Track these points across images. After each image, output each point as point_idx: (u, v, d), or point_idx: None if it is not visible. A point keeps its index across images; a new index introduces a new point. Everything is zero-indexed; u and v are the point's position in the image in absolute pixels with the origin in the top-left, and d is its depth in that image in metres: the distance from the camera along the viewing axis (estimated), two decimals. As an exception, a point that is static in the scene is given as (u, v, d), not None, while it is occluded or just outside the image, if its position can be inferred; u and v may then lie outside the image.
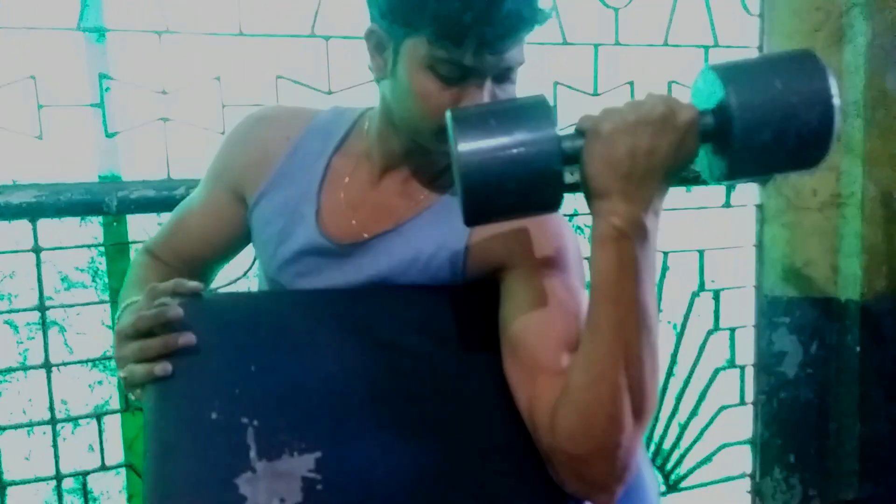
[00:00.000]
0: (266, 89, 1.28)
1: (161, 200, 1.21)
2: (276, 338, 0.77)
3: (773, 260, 1.72)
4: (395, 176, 0.87)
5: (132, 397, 0.77)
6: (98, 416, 1.28)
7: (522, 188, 0.64)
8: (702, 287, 1.69)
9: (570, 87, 1.49)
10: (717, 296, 1.70)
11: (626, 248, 0.67)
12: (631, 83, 1.54)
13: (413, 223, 0.85)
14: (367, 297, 0.81)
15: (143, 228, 1.36)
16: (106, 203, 1.18)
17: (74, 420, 1.57)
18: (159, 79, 1.22)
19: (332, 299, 0.82)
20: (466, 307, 0.81)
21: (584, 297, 0.78)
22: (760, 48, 1.65)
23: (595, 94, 1.52)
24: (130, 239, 1.27)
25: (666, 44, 1.56)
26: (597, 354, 0.69)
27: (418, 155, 0.85)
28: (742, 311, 1.77)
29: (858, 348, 1.65)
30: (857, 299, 1.63)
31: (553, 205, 0.68)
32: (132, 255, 1.26)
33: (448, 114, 0.68)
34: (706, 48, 1.59)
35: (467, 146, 0.64)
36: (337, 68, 1.32)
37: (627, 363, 0.68)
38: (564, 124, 1.50)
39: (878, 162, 1.58)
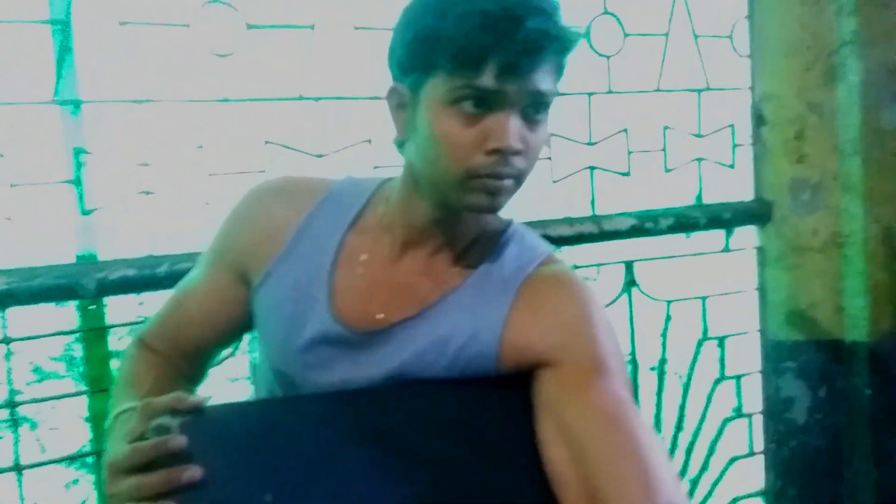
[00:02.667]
0: (254, 155, 1.21)
1: (142, 280, 1.13)
2: (292, 458, 0.68)
3: (776, 303, 1.68)
4: (418, 252, 0.80)
5: None
6: (79, 518, 1.18)
7: None
8: (705, 335, 1.64)
9: (565, 137, 1.45)
10: (721, 343, 1.66)
11: None
12: (625, 130, 1.51)
13: (439, 308, 0.77)
14: (391, 398, 0.73)
15: (124, 310, 1.27)
16: (83, 286, 1.09)
17: (50, 520, 1.45)
18: (139, 151, 1.14)
19: (351, 402, 0.73)
20: (502, 404, 0.74)
21: (635, 410, 0.71)
22: (752, 88, 1.63)
23: (590, 143, 1.48)
24: (109, 323, 1.18)
25: (658, 89, 1.53)
26: None
27: (445, 225, 0.78)
28: (747, 357, 1.72)
29: (869, 391, 1.60)
30: (865, 340, 1.59)
31: None
32: (111, 340, 1.17)
33: None
34: (699, 91, 1.57)
35: None
36: (328, 131, 1.26)
37: None
38: (561, 174, 1.46)
39: (878, 200, 1.56)
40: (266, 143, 1.22)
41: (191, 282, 0.89)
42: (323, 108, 1.26)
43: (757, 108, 1.63)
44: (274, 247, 0.81)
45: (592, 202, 1.49)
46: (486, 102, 0.68)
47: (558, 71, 0.72)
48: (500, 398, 0.74)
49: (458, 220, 0.78)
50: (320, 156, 1.26)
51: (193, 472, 0.64)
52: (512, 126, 0.69)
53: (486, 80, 0.67)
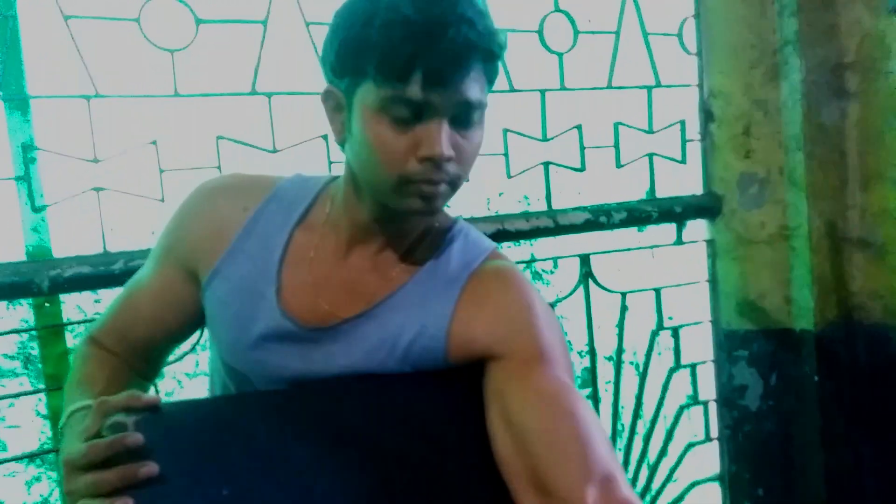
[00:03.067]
0: (206, 151, 1.22)
1: (98, 276, 1.12)
2: (247, 453, 0.69)
3: (727, 294, 1.73)
4: (365, 250, 0.81)
5: None
6: (34, 517, 1.17)
7: None
8: (660, 325, 1.68)
9: (520, 133, 1.47)
10: (676, 333, 1.70)
11: None
12: (579, 127, 1.54)
13: (387, 304, 0.79)
14: (343, 392, 0.74)
15: (79, 307, 1.26)
16: (36, 283, 1.09)
17: (7, 519, 1.43)
18: (90, 146, 1.14)
19: (304, 398, 0.74)
20: (451, 396, 0.75)
21: (577, 395, 0.73)
22: (700, 86, 1.67)
23: (544, 139, 1.51)
24: (66, 319, 1.17)
25: (610, 86, 1.57)
26: None
27: (389, 223, 0.80)
28: (701, 346, 1.77)
29: (816, 378, 1.66)
30: (812, 329, 1.64)
31: None
32: (68, 337, 1.16)
33: None
34: (649, 88, 1.61)
35: None
36: (281, 126, 1.26)
37: None
38: (517, 169, 1.48)
39: (820, 194, 1.61)
40: (219, 138, 1.23)
41: (140, 279, 0.89)
42: (276, 104, 1.26)
43: (706, 105, 1.67)
44: (221, 244, 0.82)
45: (548, 197, 1.52)
46: (415, 111, 0.70)
47: (489, 77, 0.74)
48: (451, 391, 0.76)
49: (401, 219, 0.80)
50: (274, 151, 1.27)
51: (150, 468, 0.65)
52: (443, 135, 0.70)
53: (413, 90, 0.68)
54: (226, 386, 0.86)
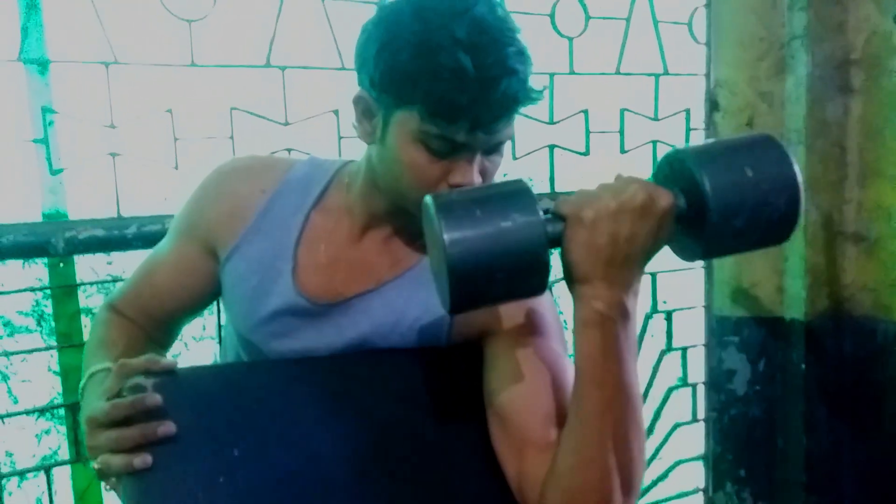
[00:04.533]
0: (220, 121, 1.24)
1: (111, 240, 1.16)
2: (257, 417, 0.73)
3: (721, 281, 1.77)
4: (377, 234, 0.85)
5: (106, 487, 0.72)
6: (46, 468, 1.21)
7: (511, 277, 0.64)
8: (654, 309, 1.73)
9: (527, 116, 1.50)
10: (669, 317, 1.74)
11: (609, 331, 0.67)
12: (585, 111, 1.56)
13: (395, 284, 0.83)
14: (349, 365, 0.79)
15: (92, 269, 1.30)
16: (52, 244, 1.12)
17: (21, 473, 1.48)
18: (107, 112, 1.16)
19: (312, 368, 0.79)
20: (451, 372, 0.80)
21: (568, 363, 0.78)
22: (707, 76, 1.69)
23: (551, 122, 1.53)
24: (78, 280, 1.20)
25: (618, 72, 1.59)
26: (584, 438, 0.68)
27: (402, 215, 0.83)
28: (693, 330, 1.81)
29: (803, 366, 1.70)
30: (802, 318, 1.69)
31: (540, 290, 0.67)
32: (81, 297, 1.19)
33: (428, 199, 0.66)
34: (656, 76, 1.63)
35: (455, 236, 0.62)
36: (293, 99, 1.29)
37: (615, 444, 0.68)
38: (522, 151, 1.51)
39: (819, 187, 1.64)
40: (232, 109, 1.25)
41: (160, 252, 0.93)
42: (289, 77, 1.28)
43: (711, 95, 1.69)
44: (241, 223, 0.86)
45: (551, 180, 1.55)
46: (454, 148, 0.73)
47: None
48: (451, 368, 0.81)
49: (413, 214, 0.83)
50: (286, 124, 1.29)
51: (168, 426, 0.70)
52: (475, 167, 0.74)
53: (459, 134, 0.71)
54: (238, 355, 0.90)
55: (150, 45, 1.19)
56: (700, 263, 1.79)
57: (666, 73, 1.63)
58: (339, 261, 0.84)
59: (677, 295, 1.83)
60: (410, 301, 0.82)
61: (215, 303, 1.04)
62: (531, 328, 0.79)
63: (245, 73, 1.25)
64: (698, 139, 1.71)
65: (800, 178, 0.68)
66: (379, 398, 0.77)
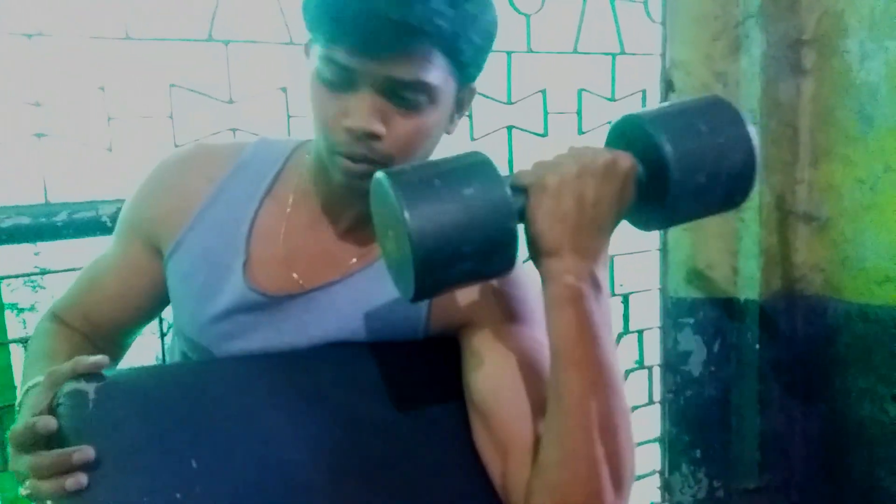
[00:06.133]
0: (158, 99, 1.15)
1: (38, 228, 1.06)
2: (216, 422, 0.66)
3: (677, 263, 1.77)
4: (339, 220, 0.79)
5: None
6: (-30, 477, 1.12)
7: (479, 252, 0.59)
8: (611, 292, 1.71)
9: (484, 95, 1.45)
10: (626, 299, 1.73)
11: (583, 307, 0.63)
12: (543, 91, 1.52)
13: (364, 274, 0.77)
14: (316, 360, 0.73)
15: (17, 260, 1.20)
16: (-29, 234, 1.02)
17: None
18: (32, 89, 1.06)
19: (275, 365, 0.72)
20: (427, 366, 0.75)
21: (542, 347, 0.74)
22: (663, 55, 1.67)
23: (509, 102, 1.49)
24: (1, 274, 1.10)
25: (575, 51, 1.55)
26: (567, 427, 0.64)
27: (359, 193, 0.77)
28: (649, 313, 1.81)
29: (757, 346, 1.72)
30: (756, 299, 1.70)
31: (508, 268, 0.63)
32: (4, 291, 1.09)
33: (379, 174, 0.61)
34: (613, 55, 1.60)
35: (416, 209, 0.57)
36: (238, 75, 1.21)
37: (601, 432, 0.64)
38: (480, 133, 1.46)
39: (773, 168, 1.65)
40: (171, 86, 1.16)
41: (104, 256, 0.85)
42: (234, 52, 1.20)
43: (667, 75, 1.68)
44: (184, 216, 0.79)
45: (510, 161, 1.51)
46: (344, 78, 0.67)
47: (448, 62, 0.69)
48: (428, 362, 0.75)
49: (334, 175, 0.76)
50: (231, 102, 1.21)
51: (85, 452, 0.61)
52: (365, 107, 0.66)
53: (340, 53, 0.65)
54: (186, 359, 0.83)
55: (80, 16, 1.09)
56: (656, 245, 1.78)
57: (623, 52, 1.61)
58: (298, 251, 0.78)
59: (633, 278, 1.82)
60: (382, 292, 0.76)
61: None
62: (513, 317, 0.74)
63: (185, 47, 1.16)
64: (654, 120, 1.70)
65: (753, 134, 0.67)
66: (351, 396, 0.72)
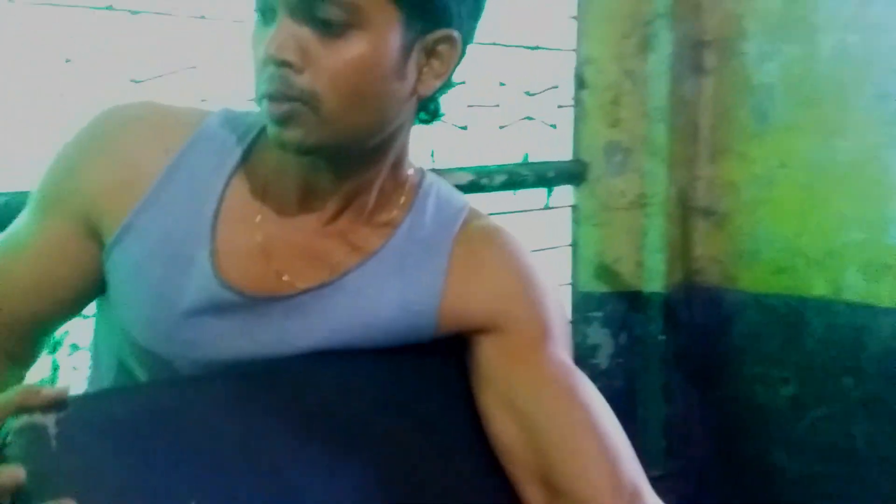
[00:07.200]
0: (51, 76, 0.98)
1: None
2: (211, 453, 0.54)
3: (586, 258, 1.78)
4: (321, 209, 0.67)
5: None
6: None
7: None
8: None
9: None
10: (539, 296, 1.73)
11: None
12: (463, 83, 1.47)
13: (358, 274, 0.66)
14: (311, 374, 0.62)
15: None
16: None
17: None
18: None
19: (268, 380, 0.60)
20: (434, 371, 0.67)
21: (583, 377, 0.68)
22: (576, 51, 1.68)
23: (431, 92, 1.42)
24: None
25: (495, 43, 1.52)
26: None
27: (332, 170, 0.65)
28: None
29: (662, 337, 1.77)
30: (660, 291, 1.75)
31: None
32: None
33: None
34: (531, 49, 1.58)
35: None
36: (144, 51, 1.05)
37: None
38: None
39: (677, 163, 1.71)
40: (67, 61, 0.99)
41: (14, 239, 0.68)
42: (140, 24, 1.04)
43: (579, 71, 1.68)
44: (134, 192, 0.64)
45: (432, 154, 1.44)
46: (266, 6, 0.59)
47: None
48: (433, 366, 0.67)
49: (336, 163, 0.65)
50: (137, 81, 1.05)
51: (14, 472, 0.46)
52: (277, 34, 0.57)
53: None
54: (130, 373, 0.69)
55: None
56: (566, 241, 1.79)
57: (539, 47, 1.59)
58: (277, 242, 0.66)
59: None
60: (381, 296, 0.66)
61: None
62: (539, 332, 0.67)
63: (83, 15, 0.99)
64: (567, 116, 1.70)
65: None
66: (355, 409, 0.61)
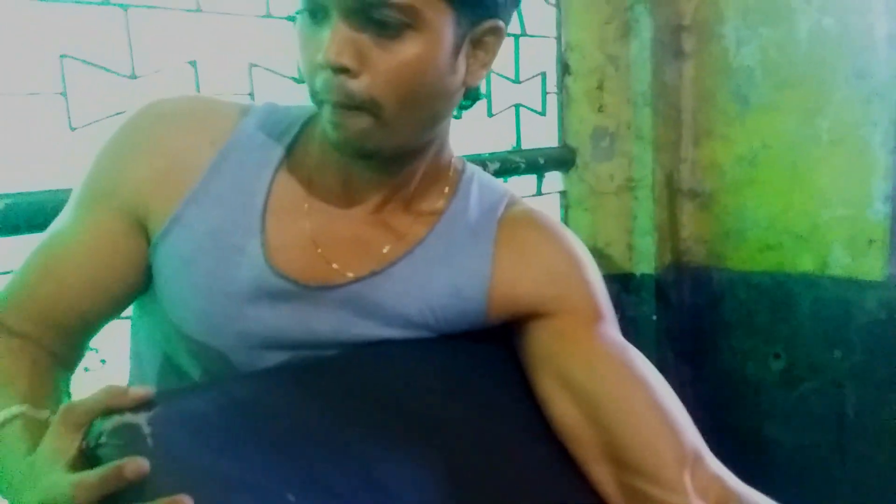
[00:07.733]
0: (47, 72, 0.97)
1: None
2: (297, 446, 0.54)
3: (577, 243, 1.81)
4: (366, 200, 0.68)
5: None
6: None
7: None
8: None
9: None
10: (533, 282, 1.75)
11: None
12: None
13: (406, 262, 0.67)
14: (370, 364, 0.63)
15: None
16: None
17: None
18: None
19: (337, 371, 0.61)
20: (491, 358, 0.68)
21: (638, 355, 0.71)
22: (558, 38, 1.70)
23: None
24: None
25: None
26: None
27: (385, 165, 0.67)
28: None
29: (654, 317, 1.81)
30: (651, 273, 1.78)
31: None
32: None
33: None
34: (516, 37, 1.59)
35: None
36: (141, 46, 1.05)
37: None
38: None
39: (662, 147, 1.74)
40: (63, 57, 0.98)
41: (60, 237, 0.67)
42: (135, 18, 1.04)
43: (563, 58, 1.71)
44: (183, 185, 0.65)
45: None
46: (312, 9, 0.59)
47: None
48: (489, 353, 0.68)
49: (390, 158, 0.66)
50: (133, 77, 1.05)
51: (138, 464, 0.46)
52: (333, 38, 0.57)
53: None
54: (179, 370, 0.68)
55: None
56: (556, 227, 1.81)
57: (524, 34, 1.61)
58: (324, 231, 0.67)
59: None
60: (431, 283, 0.67)
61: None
62: (592, 313, 0.69)
63: (79, 11, 0.99)
64: (553, 103, 1.72)
65: None
66: (427, 397, 0.62)
